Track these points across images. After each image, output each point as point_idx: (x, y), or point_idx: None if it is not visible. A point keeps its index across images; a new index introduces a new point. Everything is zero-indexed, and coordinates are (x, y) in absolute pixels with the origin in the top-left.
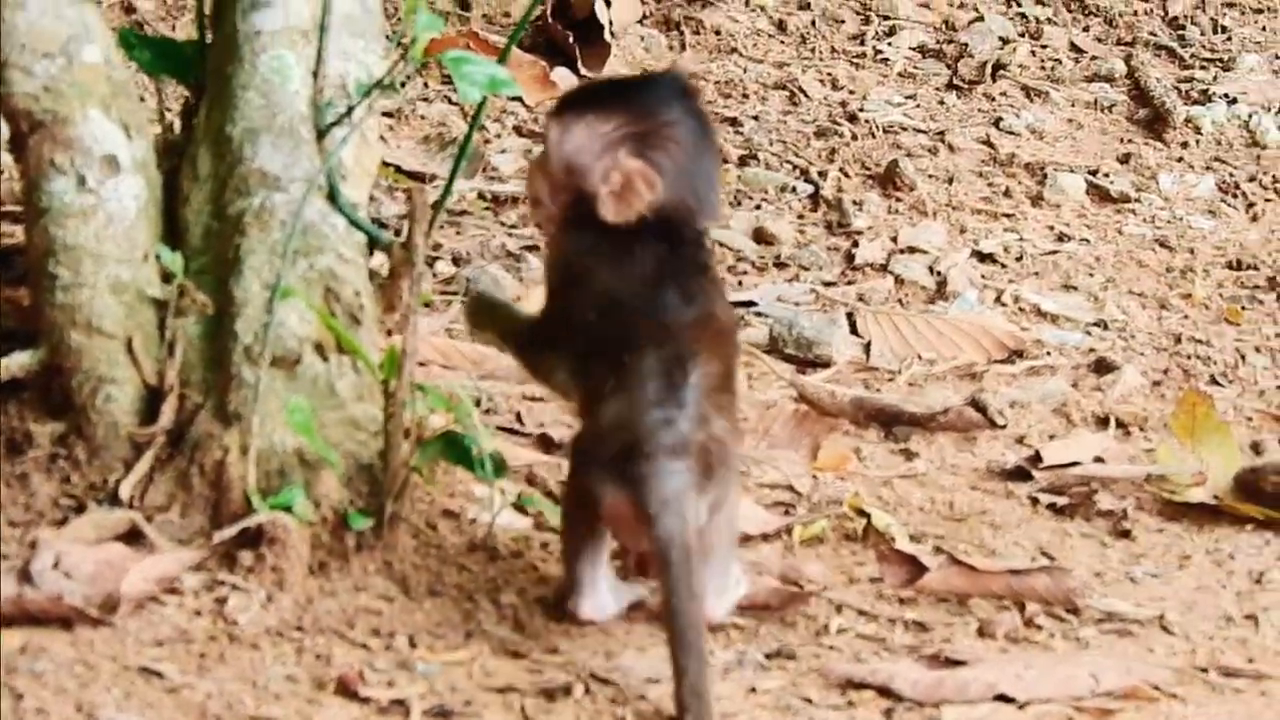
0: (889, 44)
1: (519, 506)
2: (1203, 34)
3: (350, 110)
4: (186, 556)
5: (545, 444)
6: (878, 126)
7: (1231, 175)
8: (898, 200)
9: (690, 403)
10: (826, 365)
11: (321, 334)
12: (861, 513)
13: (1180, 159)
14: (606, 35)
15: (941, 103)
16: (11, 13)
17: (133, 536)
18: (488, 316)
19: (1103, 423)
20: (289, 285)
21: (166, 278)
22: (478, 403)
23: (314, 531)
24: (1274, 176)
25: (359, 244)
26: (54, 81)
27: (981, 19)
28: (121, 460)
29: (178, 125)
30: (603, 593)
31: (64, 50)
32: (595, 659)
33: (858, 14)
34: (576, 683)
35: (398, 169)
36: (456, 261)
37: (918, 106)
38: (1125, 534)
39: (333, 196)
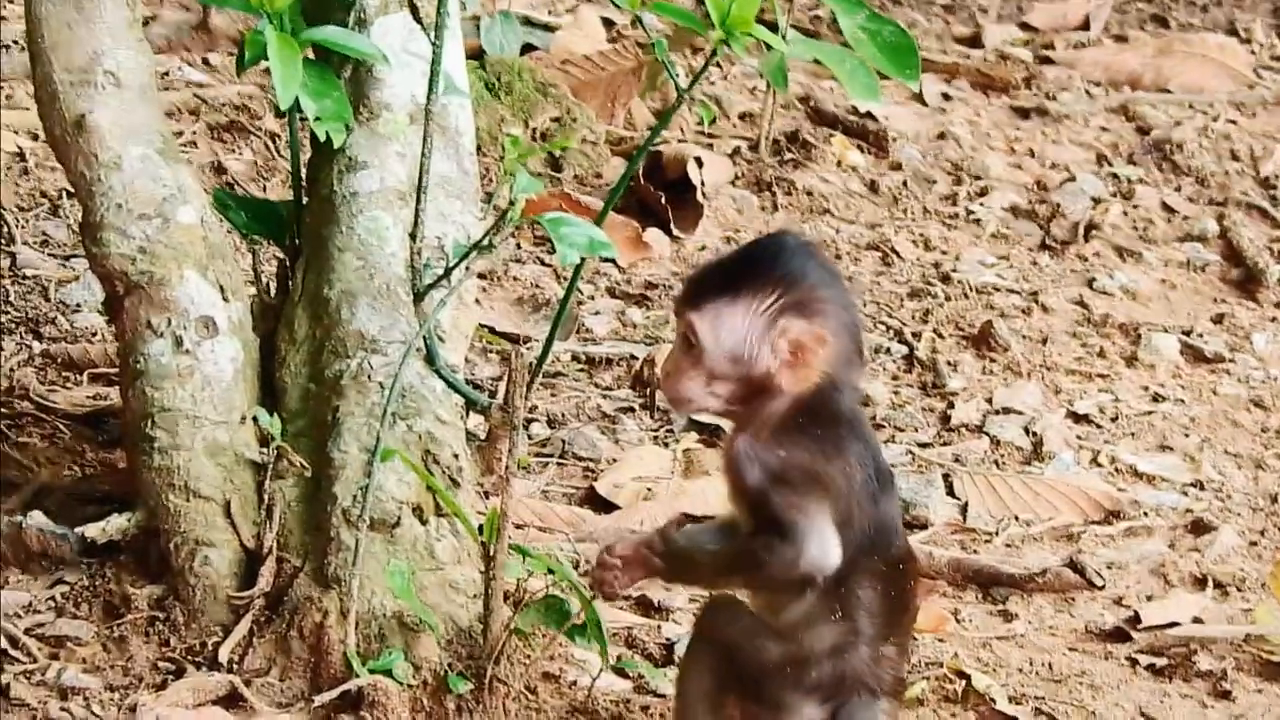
0: (981, 204)
1: (619, 669)
2: None
3: (449, 272)
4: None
5: (644, 606)
6: (971, 287)
7: None
8: (992, 361)
9: (905, 642)
10: (924, 526)
11: (420, 496)
12: (961, 674)
13: (1274, 318)
14: (699, 196)
15: (1034, 263)
16: (108, 173)
17: (232, 700)
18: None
19: (1200, 583)
20: (388, 447)
21: (264, 440)
22: (575, 565)
23: (414, 695)
24: None
25: (457, 406)
26: (150, 243)
27: (1073, 179)
28: (220, 623)
29: (273, 287)
30: None
31: (160, 211)
32: None
33: (949, 174)
34: None
35: (491, 330)
36: (551, 423)
37: (1010, 267)
38: (1225, 694)
39: (430, 359)
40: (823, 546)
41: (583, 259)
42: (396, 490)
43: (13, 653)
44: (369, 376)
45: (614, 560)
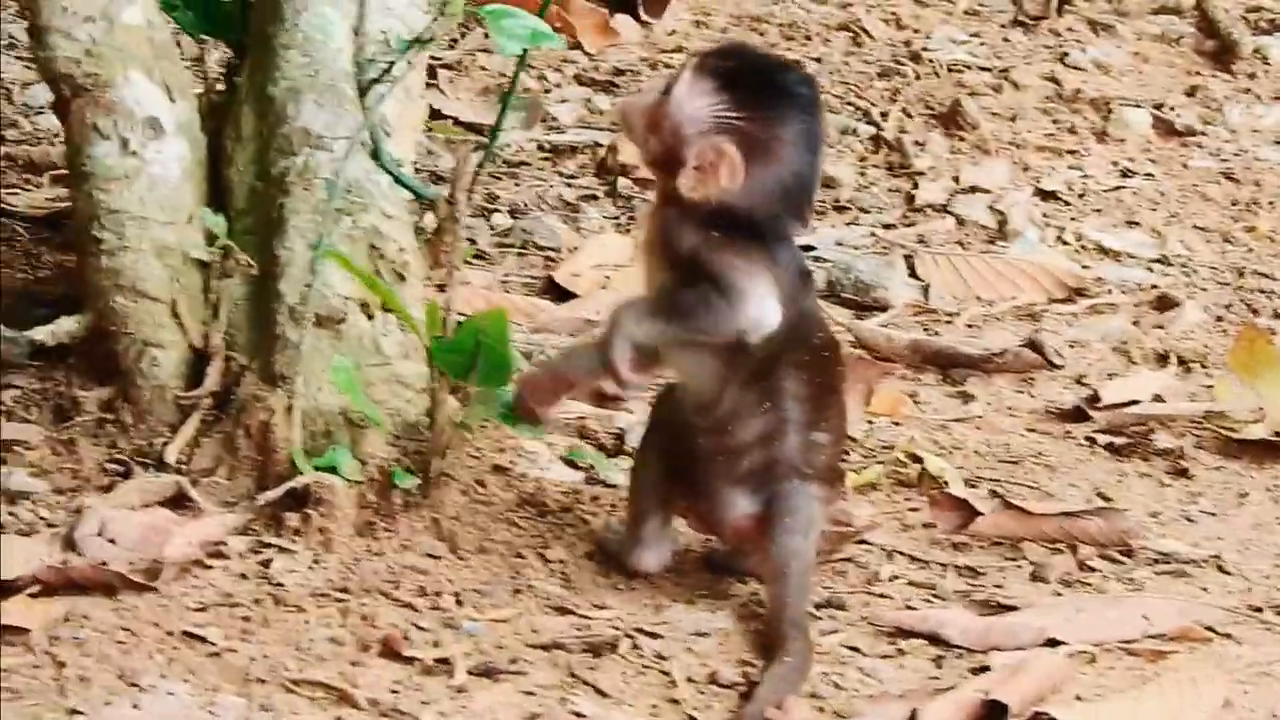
0: None
1: (570, 460)
2: None
3: (392, 66)
4: (231, 520)
5: (598, 396)
6: (941, 65)
7: None
8: (960, 140)
9: (835, 429)
10: (885, 309)
11: (367, 292)
12: (915, 458)
13: (1248, 90)
14: None
15: (1006, 39)
16: None
17: (179, 501)
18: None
19: (1163, 360)
20: (331, 244)
21: (211, 239)
22: (528, 356)
23: (360, 491)
24: None
25: (404, 200)
26: (95, 45)
27: None
28: (168, 424)
29: (221, 86)
30: (662, 546)
31: (105, 13)
32: (643, 613)
33: None
34: (623, 638)
35: (455, 121)
36: (514, 213)
37: (982, 44)
38: (1183, 473)
39: (376, 153)
40: (761, 306)
41: (525, 50)
42: (342, 286)
43: None
44: (314, 173)
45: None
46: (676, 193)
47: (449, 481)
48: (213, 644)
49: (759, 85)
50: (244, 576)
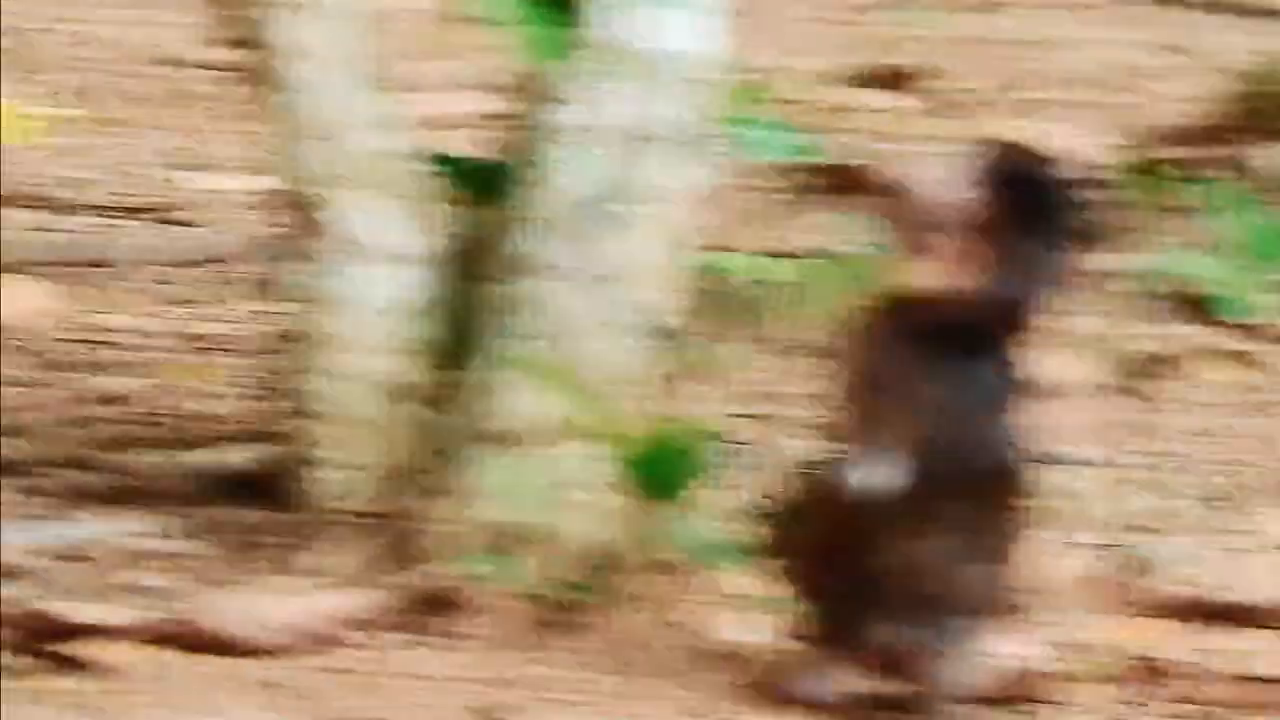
0: None
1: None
2: None
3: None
4: (363, 601)
5: None
6: None
7: None
8: None
9: (1000, 561)
10: None
11: (560, 415)
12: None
13: None
14: None
15: None
16: None
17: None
18: None
19: None
20: (512, 358)
21: (407, 366)
22: None
23: (518, 604)
24: None
25: (626, 330)
26: (318, 165)
27: None
28: (331, 542)
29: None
30: (821, 676)
31: (334, 135)
32: None
33: None
34: None
35: None
36: None
37: None
38: None
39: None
40: (866, 470)
41: None
42: (532, 406)
43: None
44: (528, 300)
45: None
46: (900, 288)
47: (635, 607)
48: (282, 685)
49: (1008, 182)
50: (358, 647)
